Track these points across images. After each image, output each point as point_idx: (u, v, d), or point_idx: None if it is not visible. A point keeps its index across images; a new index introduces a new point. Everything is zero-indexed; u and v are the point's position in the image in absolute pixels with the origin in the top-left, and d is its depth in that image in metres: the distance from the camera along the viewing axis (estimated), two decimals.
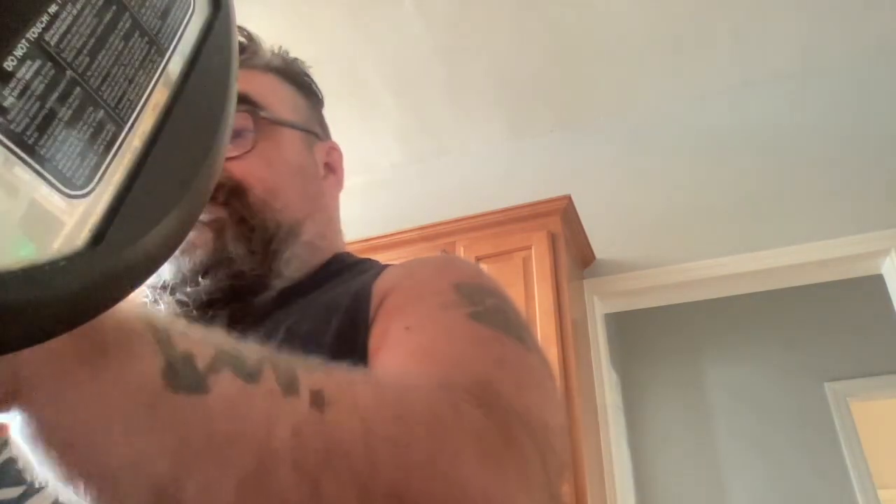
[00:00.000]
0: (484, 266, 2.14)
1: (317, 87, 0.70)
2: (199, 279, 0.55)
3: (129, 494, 0.23)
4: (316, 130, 0.68)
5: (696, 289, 2.44)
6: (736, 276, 2.30)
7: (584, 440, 1.88)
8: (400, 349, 0.41)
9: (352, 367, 0.32)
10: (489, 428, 0.32)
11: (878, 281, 2.36)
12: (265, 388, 0.26)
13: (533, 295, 2.02)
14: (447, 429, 0.30)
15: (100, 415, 0.22)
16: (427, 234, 2.31)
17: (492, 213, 2.25)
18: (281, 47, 0.68)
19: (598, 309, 2.42)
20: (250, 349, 0.28)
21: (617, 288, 2.42)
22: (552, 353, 1.91)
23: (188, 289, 0.55)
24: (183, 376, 0.24)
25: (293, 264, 0.59)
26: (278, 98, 0.64)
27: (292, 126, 0.63)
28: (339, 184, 0.70)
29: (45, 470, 0.22)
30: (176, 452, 0.23)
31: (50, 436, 0.22)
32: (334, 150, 0.70)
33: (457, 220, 2.30)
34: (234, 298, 0.56)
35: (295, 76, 0.67)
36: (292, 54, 0.69)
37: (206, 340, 0.26)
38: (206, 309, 0.55)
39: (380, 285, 0.49)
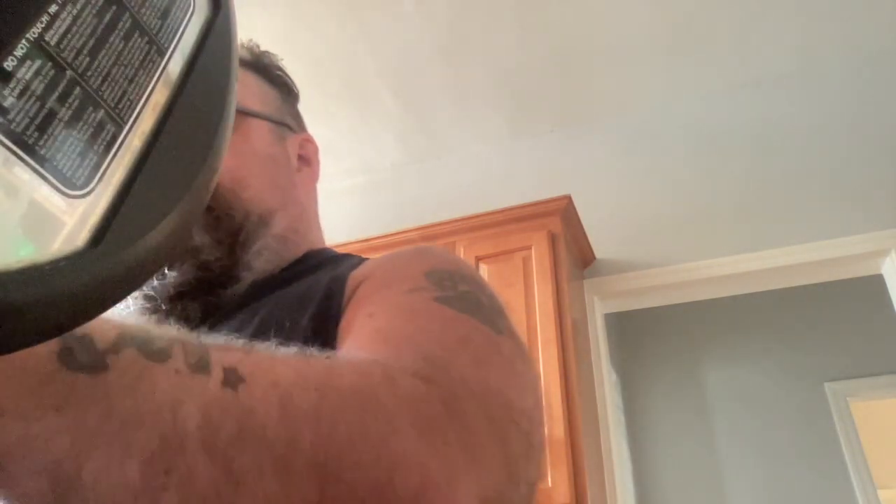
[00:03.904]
0: (484, 266, 2.14)
1: (290, 79, 0.69)
2: (165, 271, 0.54)
3: (25, 476, 0.22)
4: (287, 122, 0.67)
5: (696, 289, 2.44)
6: (736, 276, 2.30)
7: (584, 440, 1.88)
8: (360, 335, 0.39)
9: (280, 346, 0.31)
10: (429, 398, 0.30)
11: (878, 281, 2.36)
12: (171, 367, 0.25)
13: (533, 295, 2.02)
14: (377, 400, 0.29)
15: None
16: (427, 234, 2.31)
17: (492, 213, 2.25)
18: (251, 40, 0.67)
19: (598, 309, 2.42)
20: (161, 331, 0.27)
21: (617, 288, 2.42)
22: (552, 353, 1.91)
23: (154, 282, 0.54)
24: (79, 356, 0.23)
25: (264, 256, 0.58)
26: (245, 89, 0.63)
27: (259, 116, 0.62)
28: (314, 177, 0.69)
29: None
30: (71, 431, 0.22)
31: None
32: (308, 142, 0.69)
33: (457, 220, 2.30)
34: (204, 291, 0.55)
35: (265, 69, 0.67)
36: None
37: (110, 323, 0.25)
38: (176, 302, 0.54)
39: (355, 276, 0.49)
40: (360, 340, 0.39)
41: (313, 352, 0.32)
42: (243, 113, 0.60)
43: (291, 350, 0.31)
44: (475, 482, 0.29)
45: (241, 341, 0.30)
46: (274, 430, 0.25)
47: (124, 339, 0.25)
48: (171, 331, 0.27)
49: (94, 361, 0.23)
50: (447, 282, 0.43)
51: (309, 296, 0.49)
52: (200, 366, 0.26)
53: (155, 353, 0.25)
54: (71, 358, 0.23)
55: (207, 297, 0.55)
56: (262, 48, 0.68)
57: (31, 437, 0.22)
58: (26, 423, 0.22)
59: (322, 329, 0.45)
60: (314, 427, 0.26)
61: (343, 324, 0.44)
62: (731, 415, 3.30)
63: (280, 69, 0.68)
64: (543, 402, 0.39)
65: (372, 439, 0.27)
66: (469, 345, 0.37)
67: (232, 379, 0.26)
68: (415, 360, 0.33)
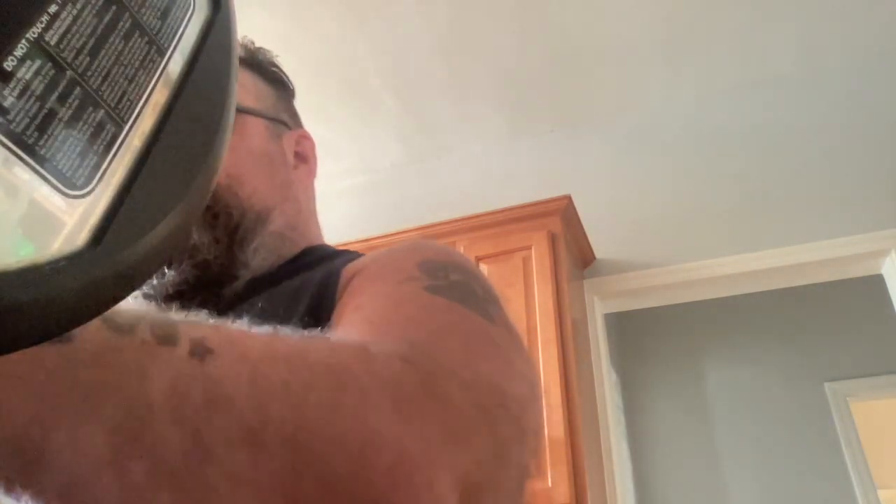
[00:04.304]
0: (484, 266, 2.14)
1: (286, 76, 0.69)
2: (164, 270, 0.54)
3: None
4: (283, 119, 0.66)
5: (696, 289, 2.44)
6: (736, 276, 2.30)
7: (584, 440, 1.88)
8: (347, 324, 0.39)
9: (255, 325, 0.31)
10: (407, 377, 0.30)
11: (878, 281, 2.36)
12: (138, 339, 0.25)
13: (533, 295, 2.02)
14: (353, 374, 0.28)
15: None
16: (427, 234, 2.31)
17: (492, 213, 2.25)
18: (245, 37, 0.66)
19: (598, 309, 2.42)
20: (128, 307, 0.26)
21: (617, 288, 2.42)
22: (552, 353, 1.91)
23: (154, 281, 0.54)
24: None
25: (261, 254, 0.58)
26: (240, 86, 0.62)
27: (255, 114, 0.62)
28: (311, 173, 0.69)
29: None
30: (36, 400, 0.22)
31: None
32: (305, 138, 0.69)
33: (457, 220, 2.30)
34: (201, 289, 0.55)
35: (260, 65, 0.66)
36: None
37: None
38: (174, 301, 0.54)
39: (349, 269, 0.49)
40: (346, 328, 0.39)
41: (286, 331, 0.31)
42: (239, 110, 0.60)
43: (264, 328, 0.31)
44: (455, 460, 0.29)
45: (211, 319, 0.29)
46: (242, 400, 0.25)
47: None
48: (139, 307, 0.27)
49: None
50: (440, 272, 0.43)
51: (303, 290, 0.49)
52: (167, 337, 0.26)
53: (121, 326, 0.25)
54: None
55: (206, 296, 0.55)
56: (260, 46, 0.68)
57: None
58: None
59: (317, 323, 0.45)
60: (283, 399, 0.26)
61: (334, 315, 0.44)
62: (731, 415, 3.30)
63: (275, 66, 0.68)
64: (541, 392, 0.39)
65: (345, 413, 0.27)
66: (457, 332, 0.37)
67: (199, 350, 0.26)
68: (396, 342, 0.33)
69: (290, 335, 0.31)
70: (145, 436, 0.23)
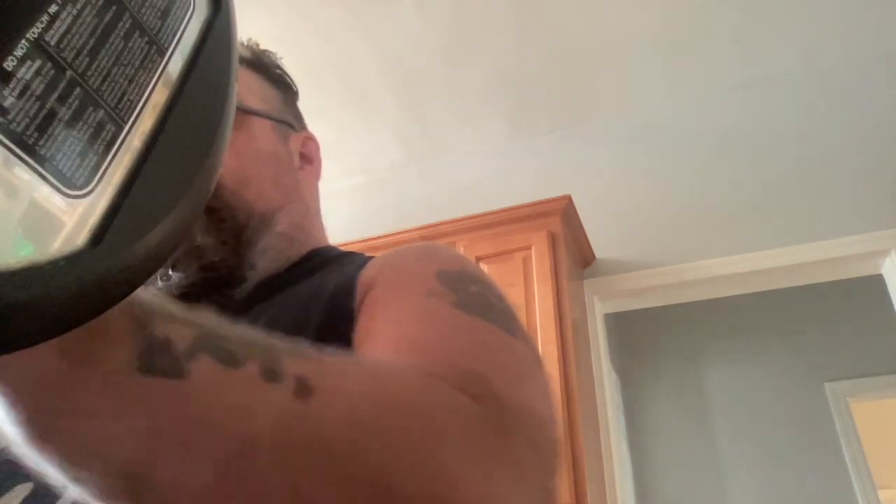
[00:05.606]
0: (484, 266, 2.14)
1: (290, 78, 0.69)
2: (170, 272, 0.54)
3: (102, 475, 0.23)
4: (289, 121, 0.67)
5: (696, 289, 2.44)
6: (736, 276, 2.30)
7: (584, 440, 1.88)
8: (384, 341, 0.40)
9: (340, 352, 0.32)
10: (480, 418, 0.31)
11: (878, 281, 2.36)
12: (246, 374, 0.25)
13: (533, 295, 2.02)
14: (437, 418, 0.29)
15: (72, 399, 0.22)
16: (427, 234, 2.31)
17: (492, 213, 2.25)
18: (251, 39, 0.67)
19: (598, 309, 2.42)
20: (236, 332, 0.27)
21: (617, 288, 2.42)
22: (552, 353, 1.91)
23: (159, 283, 0.54)
24: (159, 361, 0.23)
25: (268, 256, 0.58)
26: (246, 88, 0.62)
27: (262, 115, 0.62)
28: (316, 175, 0.69)
29: (24, 451, 0.23)
30: (148, 436, 0.23)
31: (28, 420, 0.22)
32: (310, 140, 0.69)
33: (457, 220, 2.30)
34: (209, 292, 0.55)
35: (265, 67, 0.67)
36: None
37: (188, 323, 0.26)
38: (182, 304, 0.54)
39: (363, 277, 0.49)
40: (385, 347, 0.39)
41: (377, 362, 0.33)
42: (246, 112, 0.60)
43: (355, 358, 0.32)
44: (521, 499, 0.30)
45: (310, 347, 0.30)
46: (341, 444, 0.26)
47: (200, 344, 0.25)
48: (246, 332, 0.28)
49: (171, 367, 0.24)
50: (458, 284, 0.43)
51: (316, 296, 0.49)
52: (273, 373, 0.26)
53: (230, 359, 0.25)
54: (150, 363, 0.23)
55: (214, 298, 0.55)
56: (265, 49, 0.68)
57: (109, 437, 0.23)
58: (105, 424, 0.22)
59: (332, 331, 0.45)
60: (378, 444, 0.27)
61: (360, 326, 0.44)
62: (731, 415, 3.30)
63: (280, 68, 0.68)
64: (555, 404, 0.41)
65: (430, 459, 0.28)
66: (493, 354, 0.38)
67: (303, 389, 0.26)
68: (453, 373, 0.34)
69: (380, 369, 0.32)
70: (249, 474, 0.24)
